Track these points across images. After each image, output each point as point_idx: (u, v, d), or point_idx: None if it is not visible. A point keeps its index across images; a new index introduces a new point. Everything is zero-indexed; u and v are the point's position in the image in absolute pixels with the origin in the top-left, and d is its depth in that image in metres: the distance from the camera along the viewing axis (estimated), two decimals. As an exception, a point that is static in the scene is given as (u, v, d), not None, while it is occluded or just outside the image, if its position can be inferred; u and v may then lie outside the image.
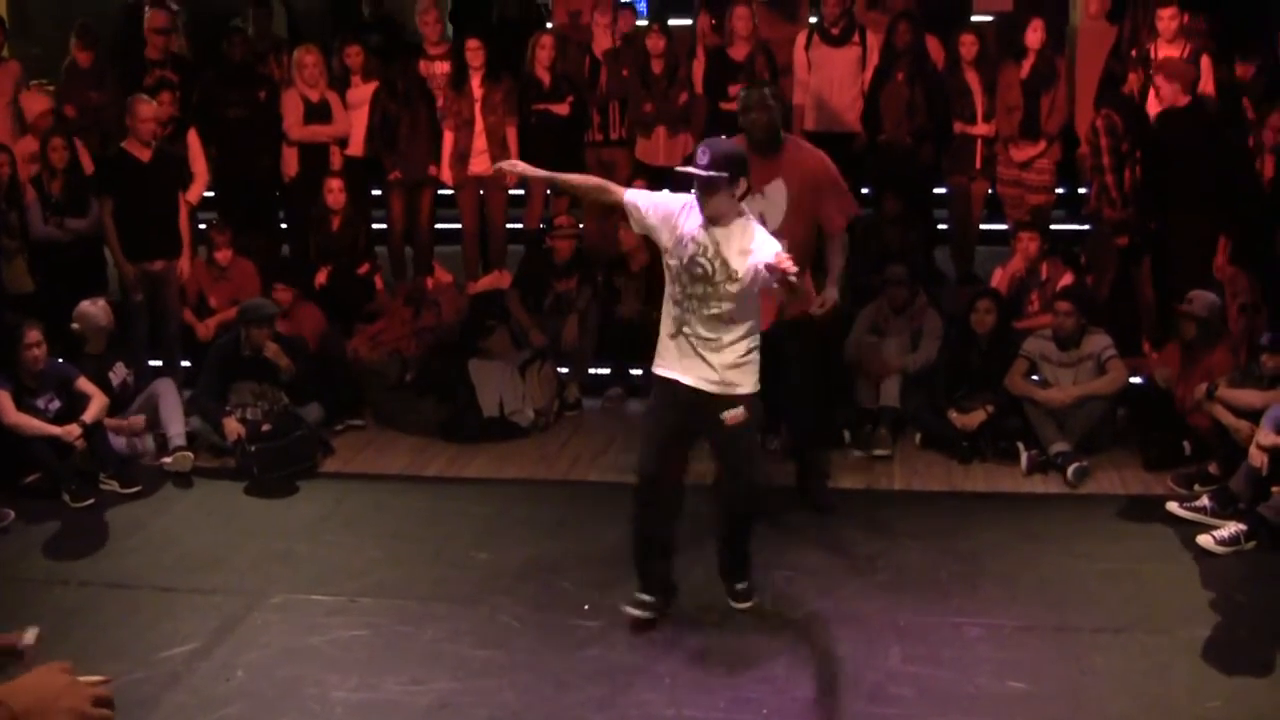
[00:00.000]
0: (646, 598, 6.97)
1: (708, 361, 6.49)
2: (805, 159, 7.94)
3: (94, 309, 9.56)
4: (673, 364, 6.59)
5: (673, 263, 6.50)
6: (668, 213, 6.54)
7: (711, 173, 6.26)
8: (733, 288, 6.36)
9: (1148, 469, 8.95)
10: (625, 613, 6.92)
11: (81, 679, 4.81)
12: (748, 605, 7.06)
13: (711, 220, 6.37)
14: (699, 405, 6.56)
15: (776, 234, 7.68)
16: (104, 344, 9.56)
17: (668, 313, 6.60)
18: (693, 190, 6.39)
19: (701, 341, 6.48)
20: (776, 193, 7.79)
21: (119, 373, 9.59)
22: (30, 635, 5.64)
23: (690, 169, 6.33)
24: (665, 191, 6.83)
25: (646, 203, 6.66)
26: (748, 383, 6.56)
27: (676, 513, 6.97)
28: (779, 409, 8.35)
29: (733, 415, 6.53)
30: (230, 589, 7.54)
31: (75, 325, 9.55)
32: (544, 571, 7.68)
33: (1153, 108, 10.16)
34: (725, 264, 6.34)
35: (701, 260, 6.38)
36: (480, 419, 9.98)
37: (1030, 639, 6.83)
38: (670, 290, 6.56)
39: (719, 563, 7.14)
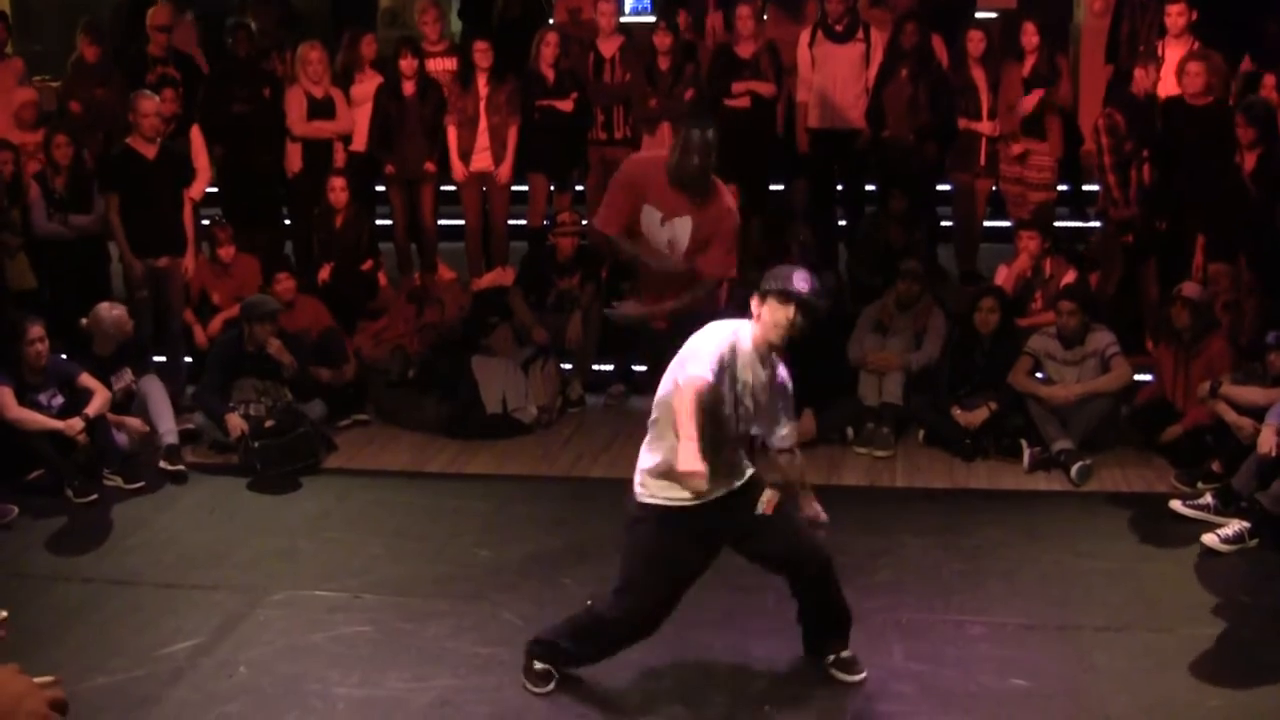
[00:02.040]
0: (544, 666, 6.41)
1: (737, 469, 6.07)
2: (722, 215, 7.79)
3: (110, 314, 9.53)
4: (699, 488, 5.80)
5: (725, 410, 5.84)
6: (721, 358, 5.77)
7: (819, 302, 5.80)
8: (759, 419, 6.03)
9: (1178, 464, 8.94)
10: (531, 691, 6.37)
11: (36, 680, 4.82)
12: (860, 677, 6.36)
13: (765, 352, 5.89)
14: (723, 512, 6.00)
15: (685, 259, 7.77)
16: (112, 349, 9.54)
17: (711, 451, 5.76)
18: (764, 313, 5.79)
19: (733, 458, 6.05)
20: (683, 227, 7.77)
21: (123, 378, 9.57)
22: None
23: (799, 293, 5.72)
24: (704, 348, 5.79)
25: (711, 367, 5.71)
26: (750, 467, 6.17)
27: None
28: None
29: (769, 502, 6.02)
30: (233, 585, 7.54)
31: (85, 321, 9.55)
32: (546, 569, 7.68)
33: (1164, 90, 10.14)
34: (765, 389, 5.94)
35: (745, 400, 5.88)
36: (483, 416, 9.98)
37: (1032, 637, 6.82)
38: (709, 434, 5.71)
39: (807, 635, 6.50)
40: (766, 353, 5.90)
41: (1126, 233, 10.32)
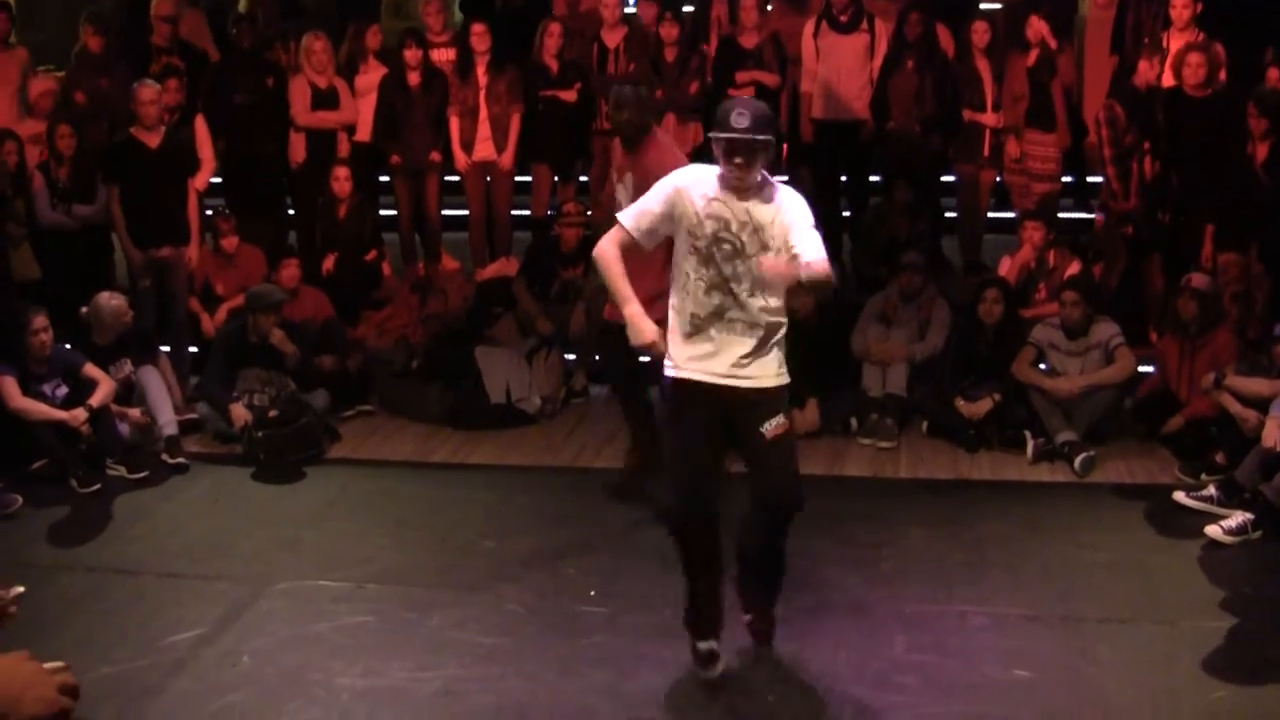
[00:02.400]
0: (708, 645, 6.31)
1: (748, 350, 5.86)
2: (654, 158, 7.80)
3: (109, 303, 9.56)
4: (700, 363, 5.90)
5: (699, 244, 5.81)
6: (665, 205, 5.87)
7: (757, 135, 5.68)
8: (768, 256, 5.76)
9: (1182, 456, 8.94)
10: (700, 675, 6.29)
11: (45, 666, 4.83)
12: (770, 647, 6.40)
13: (741, 189, 5.77)
14: (727, 405, 5.92)
15: None
16: (111, 338, 9.55)
17: (690, 308, 5.90)
18: (725, 159, 5.74)
19: (742, 331, 5.86)
20: (629, 182, 7.85)
21: (122, 369, 9.58)
22: (16, 590, 5.65)
23: (730, 134, 5.68)
24: (646, 195, 6.01)
25: (639, 216, 5.93)
26: (783, 370, 5.98)
27: (718, 543, 6.26)
28: None
29: (774, 427, 5.88)
30: (236, 575, 7.55)
31: (84, 310, 9.56)
32: (549, 559, 7.68)
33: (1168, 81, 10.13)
34: (757, 233, 5.77)
35: (726, 236, 5.78)
36: (487, 406, 9.98)
37: (1036, 628, 6.82)
38: (698, 276, 5.84)
39: (744, 588, 6.45)
40: (743, 188, 5.78)
41: (1126, 224, 10.32)
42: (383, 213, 12.08)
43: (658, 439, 8.25)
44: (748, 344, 5.87)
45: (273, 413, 9.37)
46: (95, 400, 8.99)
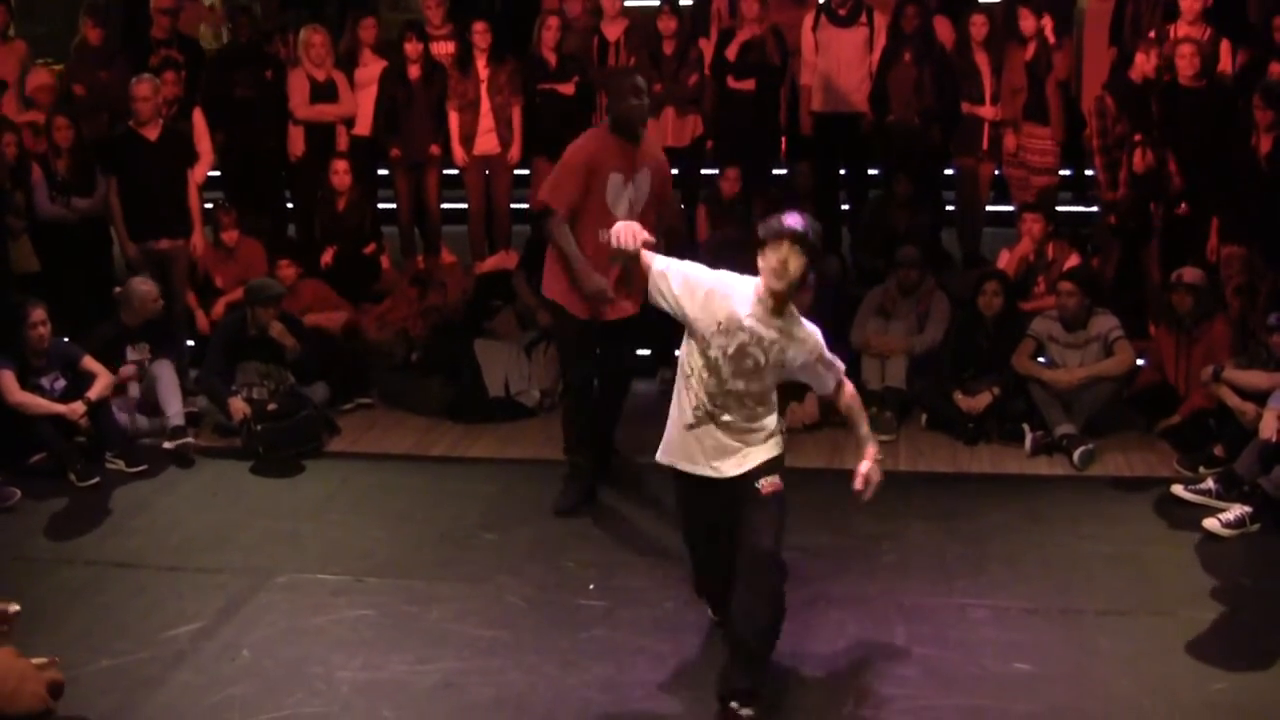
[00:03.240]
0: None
1: (742, 447, 5.84)
2: (658, 152, 8.06)
3: (140, 287, 9.70)
4: (698, 459, 5.89)
5: (712, 353, 5.71)
6: (709, 293, 5.72)
7: (812, 238, 5.58)
8: (763, 380, 5.79)
9: (1180, 449, 8.95)
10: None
11: (33, 662, 4.85)
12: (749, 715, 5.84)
13: (780, 299, 5.66)
14: (727, 491, 5.88)
15: (641, 219, 7.53)
16: (139, 322, 9.66)
17: (690, 402, 5.84)
18: (763, 265, 5.62)
19: (737, 432, 5.83)
20: (643, 180, 7.92)
21: (140, 351, 9.63)
22: (13, 606, 5.67)
23: (784, 227, 5.56)
24: (701, 268, 5.83)
25: (681, 279, 5.75)
26: (777, 449, 5.94)
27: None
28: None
29: (769, 483, 5.83)
30: (236, 568, 7.55)
31: (118, 290, 9.73)
32: (549, 552, 7.69)
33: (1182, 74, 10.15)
34: (782, 353, 5.74)
35: (754, 351, 5.69)
36: (486, 399, 9.99)
37: (1035, 621, 6.83)
38: (700, 381, 5.78)
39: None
40: (777, 306, 5.68)
41: (1111, 214, 10.36)
42: (382, 206, 12.08)
43: (582, 433, 8.45)
44: (744, 440, 5.87)
45: (272, 406, 9.36)
46: (93, 393, 8.99)
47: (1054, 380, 9.18)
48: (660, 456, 6.06)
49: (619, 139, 7.86)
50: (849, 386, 6.02)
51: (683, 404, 5.89)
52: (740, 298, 5.70)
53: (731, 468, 5.86)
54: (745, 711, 5.80)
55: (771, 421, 5.92)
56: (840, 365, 5.97)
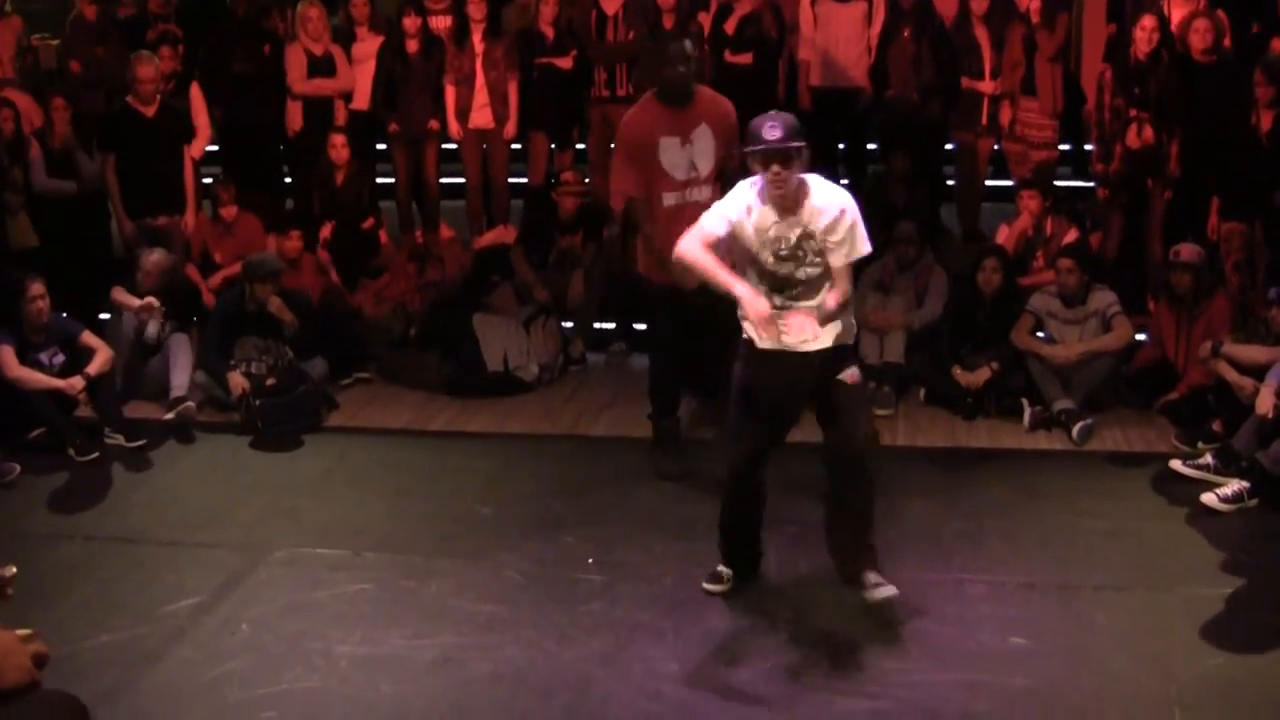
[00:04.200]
0: (727, 571, 6.85)
1: (806, 327, 6.22)
2: (721, 104, 8.11)
3: (149, 256, 9.90)
4: (776, 339, 6.23)
5: (764, 256, 6.19)
6: (735, 221, 6.21)
7: (792, 144, 6.03)
8: (820, 259, 6.18)
9: (1178, 424, 8.95)
10: (703, 589, 6.81)
11: (17, 633, 4.85)
12: (890, 593, 6.49)
13: (783, 198, 6.11)
14: (806, 371, 6.29)
15: (708, 179, 7.92)
16: (151, 286, 9.81)
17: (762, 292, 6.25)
18: (758, 173, 6.14)
19: (808, 310, 6.22)
20: (703, 138, 7.96)
21: (154, 313, 9.76)
22: (9, 569, 5.67)
23: (764, 145, 6.04)
24: (719, 214, 6.29)
25: (722, 224, 6.24)
26: (849, 333, 6.39)
27: (765, 493, 6.76)
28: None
29: (851, 374, 6.34)
30: (235, 544, 7.56)
31: (142, 256, 9.93)
32: (548, 527, 7.70)
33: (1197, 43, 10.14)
34: (811, 237, 6.13)
35: (785, 252, 6.16)
36: (484, 374, 9.99)
37: (1033, 596, 6.84)
38: (759, 281, 6.23)
39: (837, 551, 6.78)
40: (785, 196, 6.10)
41: (1103, 188, 10.37)
42: (380, 181, 12.07)
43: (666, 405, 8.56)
44: (815, 322, 6.24)
45: (270, 381, 9.37)
46: (92, 369, 8.99)
47: (1052, 355, 9.18)
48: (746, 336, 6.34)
49: (666, 105, 7.96)
50: (845, 277, 6.25)
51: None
52: (757, 205, 6.19)
53: (807, 344, 6.23)
54: (875, 579, 6.52)
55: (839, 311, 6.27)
56: (863, 248, 6.23)
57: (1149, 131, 10.04)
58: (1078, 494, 8.09)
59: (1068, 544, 7.41)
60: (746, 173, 6.38)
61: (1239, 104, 9.87)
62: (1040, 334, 9.43)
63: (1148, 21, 10.02)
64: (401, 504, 8.09)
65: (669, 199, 7.95)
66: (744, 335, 6.36)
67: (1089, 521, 7.67)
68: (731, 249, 6.26)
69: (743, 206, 6.22)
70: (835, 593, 6.79)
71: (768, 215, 6.17)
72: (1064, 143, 11.59)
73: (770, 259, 6.17)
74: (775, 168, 6.03)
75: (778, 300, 6.20)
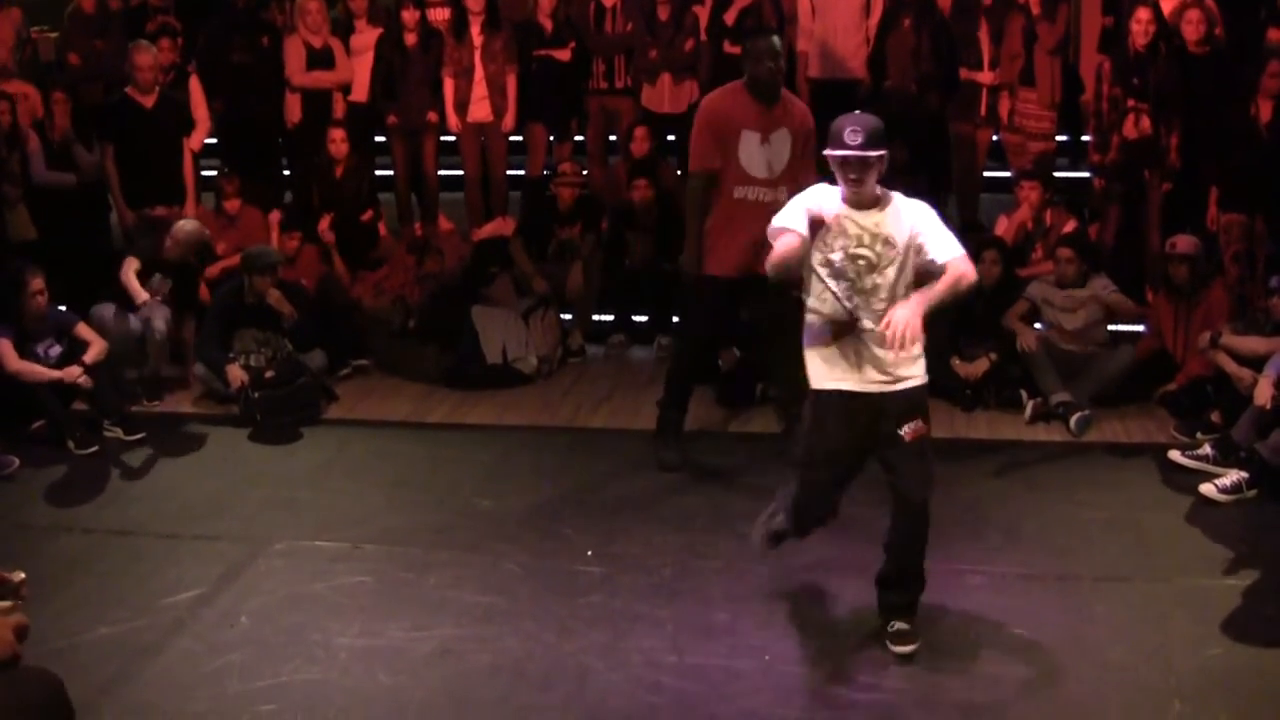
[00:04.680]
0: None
1: (879, 357, 5.94)
2: (800, 109, 8.17)
3: (185, 228, 10.03)
4: (846, 374, 5.98)
5: (834, 257, 5.88)
6: (814, 211, 5.91)
7: (870, 152, 5.84)
8: (896, 263, 5.90)
9: (1177, 415, 8.96)
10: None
11: None
12: (909, 649, 6.21)
13: (860, 203, 5.90)
14: (874, 413, 6.01)
15: (781, 180, 7.80)
16: (176, 256, 9.94)
17: (827, 316, 5.97)
18: (841, 174, 5.90)
19: (873, 336, 5.91)
20: (781, 141, 7.96)
21: (162, 284, 9.91)
22: (19, 574, 5.68)
23: (845, 151, 5.84)
24: (799, 205, 6.00)
25: (801, 220, 5.90)
26: (919, 373, 6.06)
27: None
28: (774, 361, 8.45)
29: (913, 430, 6.02)
30: (234, 536, 7.57)
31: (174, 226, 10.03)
32: (546, 518, 7.70)
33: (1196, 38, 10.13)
34: (888, 242, 5.88)
35: (860, 252, 5.88)
36: (483, 366, 9.98)
37: (1032, 587, 6.85)
38: (831, 290, 5.92)
39: (881, 592, 6.42)
40: (864, 203, 5.92)
41: (1099, 178, 10.39)
42: (379, 173, 12.07)
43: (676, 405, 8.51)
44: (879, 355, 5.95)
45: (269, 373, 9.37)
46: (89, 357, 9.01)
47: (1059, 333, 9.23)
48: (812, 384, 6.09)
49: (753, 98, 7.95)
50: (959, 265, 5.88)
51: (825, 321, 6.00)
52: (832, 204, 5.93)
53: (875, 383, 5.98)
54: (901, 625, 6.25)
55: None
56: (957, 247, 5.93)
57: (1146, 122, 10.05)
58: (1077, 485, 8.10)
59: (1067, 535, 7.42)
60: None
61: (1236, 94, 9.88)
62: (1038, 325, 9.44)
63: (1143, 14, 10.03)
64: (400, 496, 8.09)
65: (739, 192, 7.95)
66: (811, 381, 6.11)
67: (1088, 512, 7.68)
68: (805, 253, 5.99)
69: (821, 198, 5.98)
70: (835, 584, 6.80)
71: (846, 210, 5.94)
72: (1061, 134, 11.58)
73: (843, 257, 5.89)
74: (852, 175, 5.86)
75: (854, 307, 5.92)
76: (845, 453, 6.12)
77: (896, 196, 5.99)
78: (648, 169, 10.88)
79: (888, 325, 5.73)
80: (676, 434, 8.56)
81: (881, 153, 5.87)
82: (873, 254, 5.87)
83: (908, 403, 6.01)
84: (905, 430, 5.99)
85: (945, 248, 5.87)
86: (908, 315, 5.69)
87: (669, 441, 8.51)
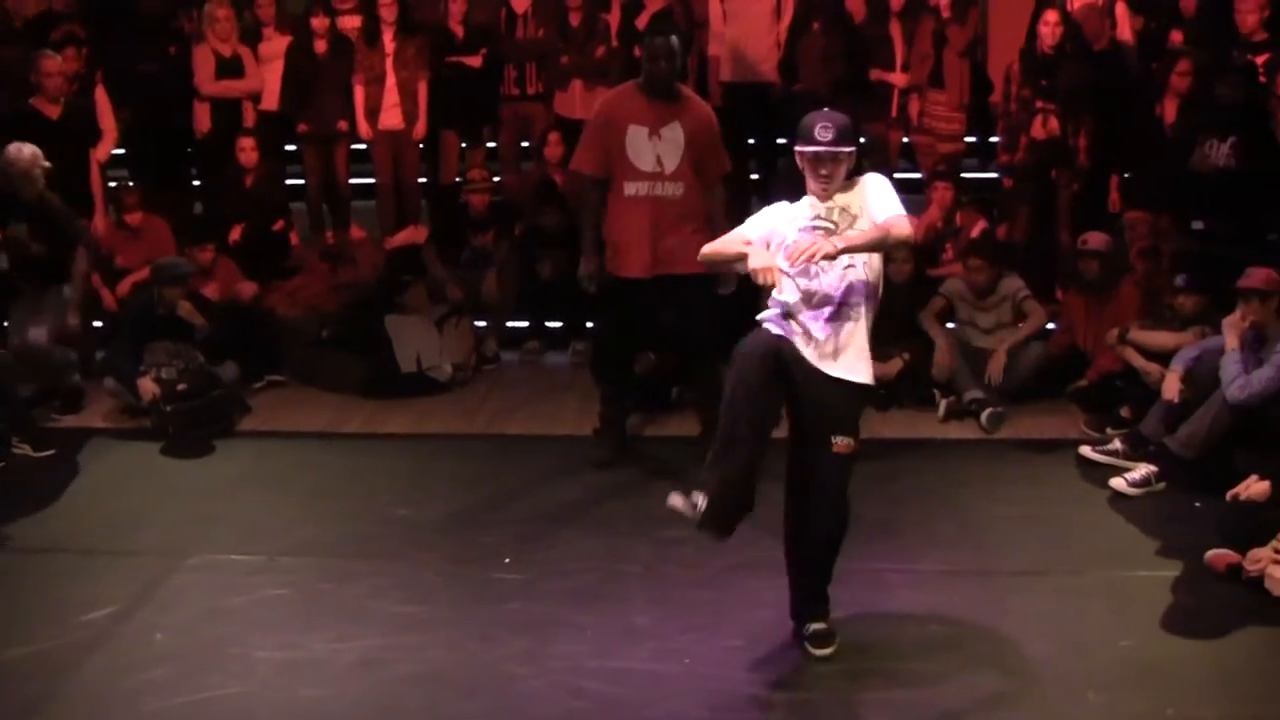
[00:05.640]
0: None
1: (834, 340, 5.85)
2: (699, 108, 8.22)
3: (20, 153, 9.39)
4: (797, 339, 5.87)
5: (796, 234, 5.85)
6: (771, 231, 5.99)
7: (841, 148, 5.87)
8: (856, 227, 5.85)
9: (1088, 410, 9.06)
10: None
11: None
12: (828, 651, 6.16)
13: (828, 198, 5.92)
14: (806, 376, 5.87)
15: (676, 175, 7.87)
16: (35, 192, 9.41)
17: (786, 294, 5.87)
18: (805, 171, 5.95)
19: (834, 311, 5.83)
20: (673, 135, 8.03)
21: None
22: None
23: (815, 147, 5.87)
24: (759, 217, 6.11)
25: (756, 226, 6.05)
26: (865, 373, 5.95)
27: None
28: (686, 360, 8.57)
29: (842, 444, 5.94)
30: (150, 551, 7.49)
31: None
32: (466, 526, 7.68)
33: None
34: (845, 210, 5.90)
35: (819, 223, 5.89)
36: (398, 375, 9.95)
37: (951, 583, 6.91)
38: (789, 269, 5.81)
39: (795, 598, 6.33)
40: (829, 198, 5.93)
41: (1008, 178, 10.51)
42: (290, 182, 12.00)
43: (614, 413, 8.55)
44: (836, 329, 5.85)
45: (181, 386, 9.27)
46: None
47: (992, 369, 9.27)
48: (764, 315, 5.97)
49: (646, 95, 8.05)
50: (893, 220, 5.84)
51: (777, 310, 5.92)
52: (797, 213, 5.98)
53: (818, 357, 5.85)
54: (818, 626, 6.17)
55: (864, 333, 5.89)
56: (900, 209, 5.90)
57: (1054, 123, 10.17)
58: (992, 481, 8.18)
59: (984, 531, 7.50)
60: (737, 185, 6.24)
61: (1141, 94, 10.02)
62: (950, 325, 9.53)
63: (1050, 15, 10.18)
64: (319, 507, 8.05)
65: (630, 188, 8.03)
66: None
67: (1004, 508, 7.76)
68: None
69: (788, 213, 6.01)
70: (755, 585, 6.82)
71: (809, 207, 5.97)
72: (970, 134, 11.69)
73: (805, 230, 5.85)
74: (823, 171, 5.90)
75: (802, 286, 5.83)
76: (763, 391, 5.83)
77: (859, 177, 6.04)
78: (553, 194, 10.87)
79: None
80: (611, 431, 8.60)
81: (851, 149, 5.91)
82: (830, 222, 5.88)
83: (845, 405, 5.93)
84: (837, 442, 5.91)
85: (887, 208, 5.87)
86: (821, 241, 5.66)
87: (604, 438, 8.57)
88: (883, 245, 5.87)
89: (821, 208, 5.93)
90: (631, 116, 8.03)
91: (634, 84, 8.17)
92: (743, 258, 5.88)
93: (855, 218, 5.89)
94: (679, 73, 8.33)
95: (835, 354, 5.85)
